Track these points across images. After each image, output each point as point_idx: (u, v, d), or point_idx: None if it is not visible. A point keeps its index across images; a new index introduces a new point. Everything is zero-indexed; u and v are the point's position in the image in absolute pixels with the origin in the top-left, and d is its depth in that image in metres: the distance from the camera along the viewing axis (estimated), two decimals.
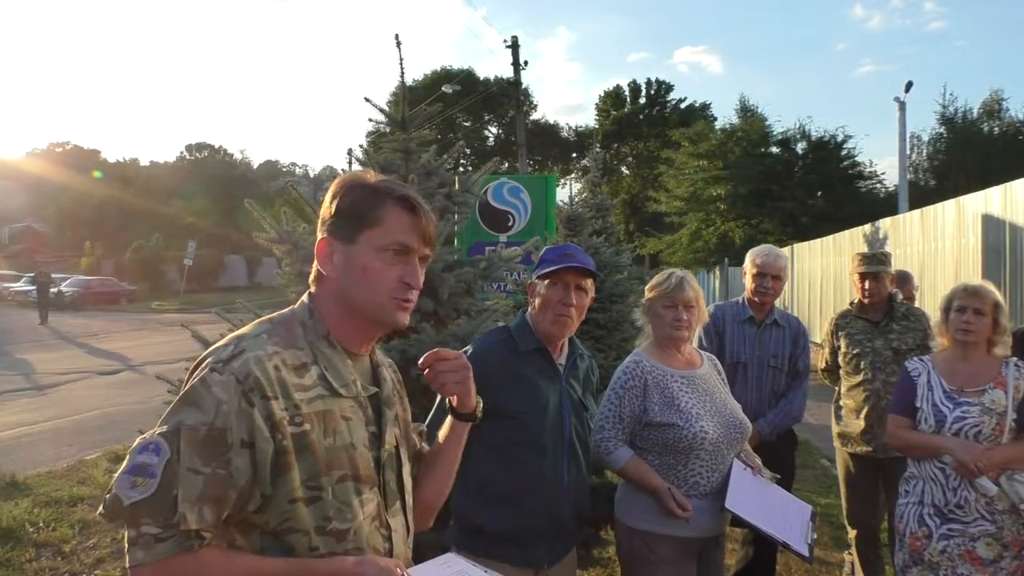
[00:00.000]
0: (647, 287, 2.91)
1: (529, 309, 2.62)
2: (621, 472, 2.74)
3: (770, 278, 3.90)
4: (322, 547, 1.36)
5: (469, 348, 2.62)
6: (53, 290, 33.29)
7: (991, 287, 3.05)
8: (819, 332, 13.72)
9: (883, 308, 4.14)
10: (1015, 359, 3.02)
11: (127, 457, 1.27)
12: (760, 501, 2.73)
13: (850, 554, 4.49)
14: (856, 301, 4.22)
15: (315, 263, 1.48)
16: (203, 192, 50.38)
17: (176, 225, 44.78)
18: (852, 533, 4.29)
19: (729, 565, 4.22)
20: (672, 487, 2.64)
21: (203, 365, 1.34)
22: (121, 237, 44.21)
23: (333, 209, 1.46)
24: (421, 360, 1.60)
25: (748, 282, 4.00)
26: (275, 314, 1.49)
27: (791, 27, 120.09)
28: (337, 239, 1.44)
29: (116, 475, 1.26)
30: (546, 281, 2.52)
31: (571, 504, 2.57)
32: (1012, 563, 2.87)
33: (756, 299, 3.94)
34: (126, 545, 1.25)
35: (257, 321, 1.46)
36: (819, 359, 4.50)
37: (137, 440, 1.28)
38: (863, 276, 4.09)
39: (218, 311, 3.73)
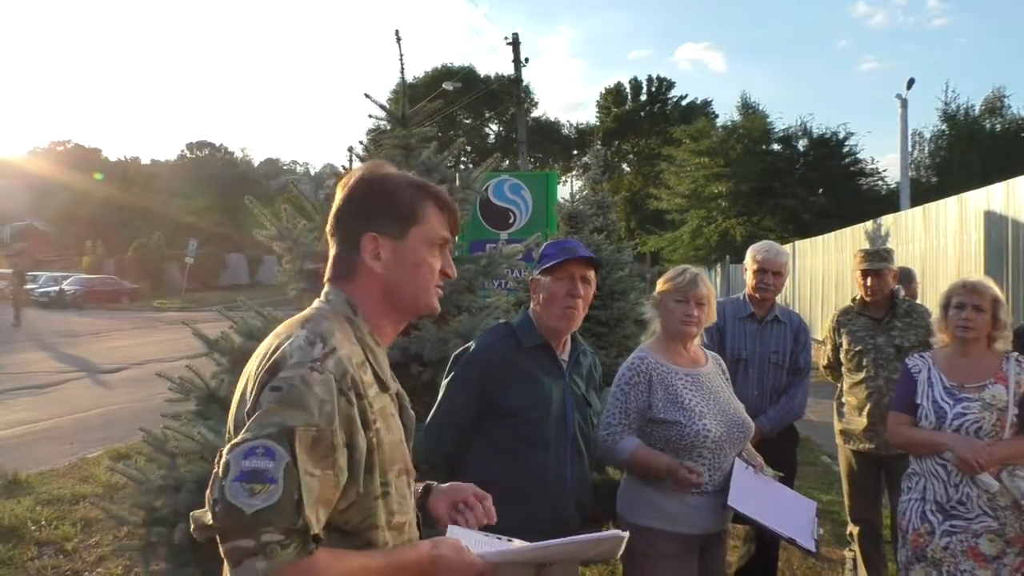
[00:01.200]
0: (660, 280, 2.89)
1: (532, 305, 2.62)
2: (630, 460, 2.70)
3: (771, 274, 3.90)
4: (391, 541, 1.38)
5: (471, 345, 2.62)
6: (53, 288, 33.39)
7: (990, 282, 3.04)
8: (820, 329, 13.71)
9: (885, 305, 4.13)
10: (1016, 354, 3.01)
11: (225, 464, 1.20)
12: (763, 498, 2.73)
13: (852, 551, 4.48)
14: (858, 298, 4.21)
15: (346, 258, 1.46)
16: (204, 190, 50.25)
17: (177, 224, 44.70)
18: (855, 530, 4.29)
19: (731, 562, 4.21)
20: (682, 461, 2.62)
21: (291, 364, 1.27)
22: (122, 236, 44.21)
23: (371, 205, 1.45)
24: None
25: (749, 278, 3.99)
26: (314, 310, 1.44)
27: (793, 24, 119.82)
28: (384, 236, 1.45)
29: (220, 485, 1.19)
30: (550, 276, 2.52)
31: (574, 500, 2.57)
32: (1015, 559, 2.86)
33: (757, 295, 3.94)
34: (231, 556, 1.19)
35: (308, 317, 1.41)
36: (821, 356, 4.49)
37: (234, 446, 1.21)
38: (865, 273, 4.08)
39: (220, 309, 3.72)
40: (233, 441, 1.23)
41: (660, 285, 2.87)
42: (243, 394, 1.33)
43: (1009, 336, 3.03)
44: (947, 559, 2.89)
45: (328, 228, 1.50)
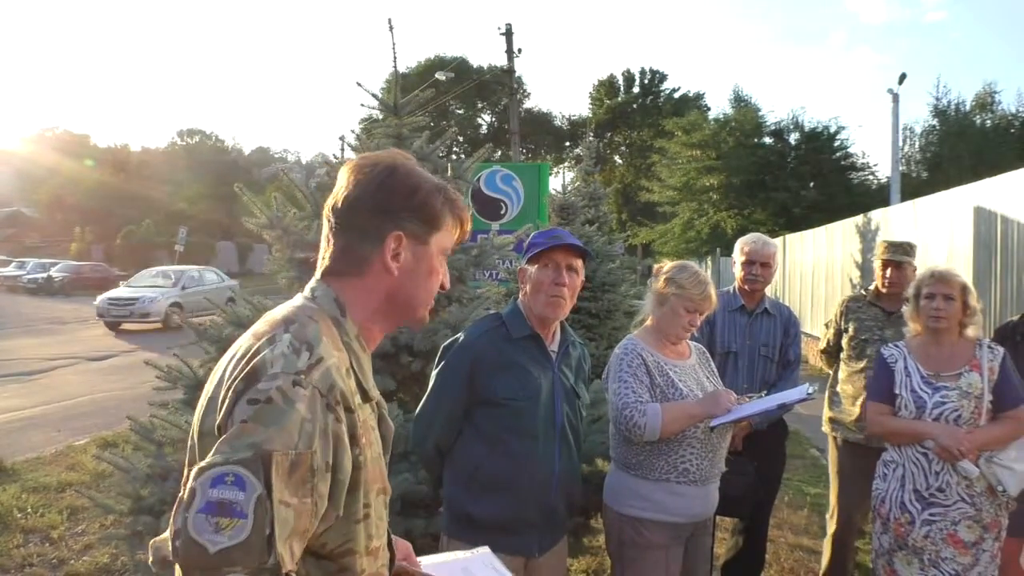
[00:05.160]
0: (666, 277, 2.83)
1: (520, 295, 2.61)
2: (666, 425, 2.61)
3: (759, 265, 3.90)
4: (367, 568, 1.26)
5: (460, 335, 2.61)
6: (41, 274, 33.14)
7: (956, 271, 3.10)
8: (811, 323, 13.77)
9: (900, 299, 4.12)
10: (987, 340, 3.07)
11: (191, 491, 1.05)
12: (745, 407, 2.78)
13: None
14: (873, 288, 4.20)
15: (360, 252, 1.33)
16: (194, 178, 49.97)
17: (167, 211, 44.43)
18: (833, 520, 4.24)
19: (719, 554, 4.24)
20: (717, 391, 2.71)
21: (271, 374, 1.13)
22: (111, 222, 43.93)
23: (400, 200, 1.33)
24: None
25: (738, 270, 3.99)
26: (298, 309, 1.29)
27: (788, 16, 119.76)
28: (409, 237, 1.34)
29: (184, 515, 1.04)
30: (536, 264, 2.51)
31: (562, 492, 2.57)
32: (993, 544, 2.93)
33: (746, 287, 3.94)
34: None
35: (291, 317, 1.26)
36: (813, 347, 4.48)
37: (201, 471, 1.06)
38: (887, 264, 4.06)
39: (208, 298, 3.70)
40: (200, 465, 1.07)
41: (668, 282, 2.80)
42: (213, 399, 1.18)
43: (979, 321, 3.09)
44: (928, 547, 2.94)
45: (336, 215, 1.34)
